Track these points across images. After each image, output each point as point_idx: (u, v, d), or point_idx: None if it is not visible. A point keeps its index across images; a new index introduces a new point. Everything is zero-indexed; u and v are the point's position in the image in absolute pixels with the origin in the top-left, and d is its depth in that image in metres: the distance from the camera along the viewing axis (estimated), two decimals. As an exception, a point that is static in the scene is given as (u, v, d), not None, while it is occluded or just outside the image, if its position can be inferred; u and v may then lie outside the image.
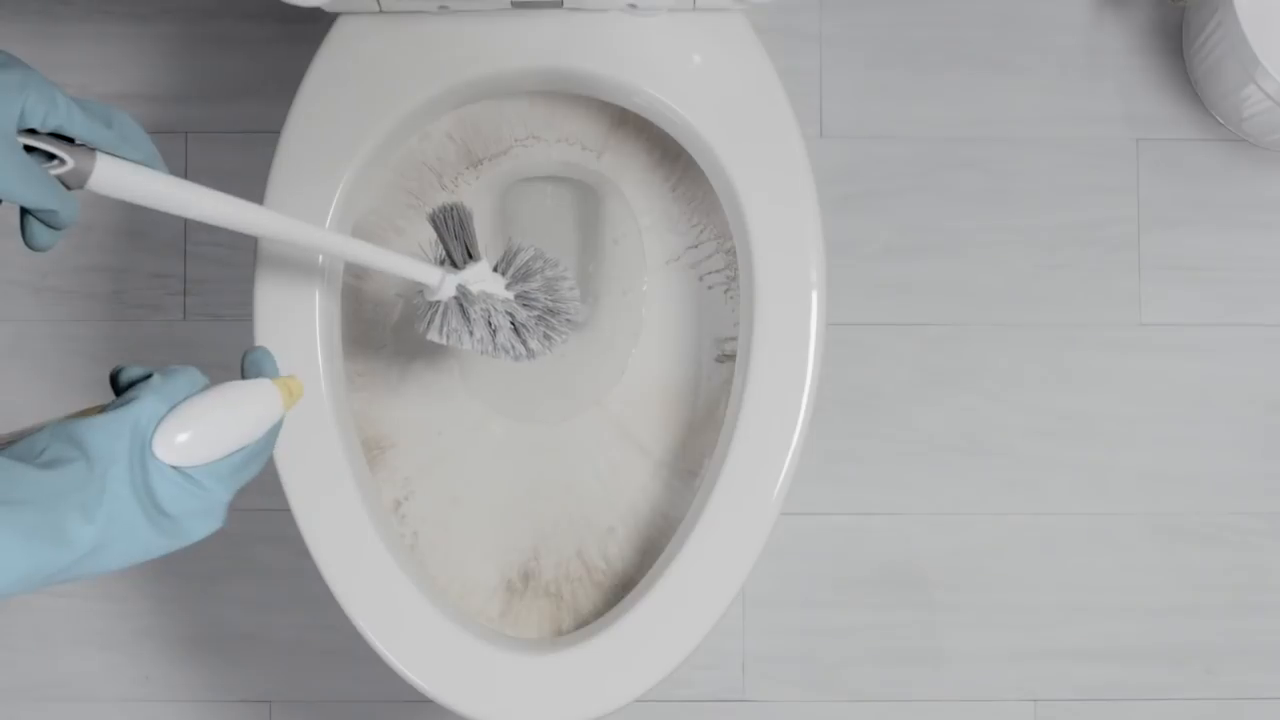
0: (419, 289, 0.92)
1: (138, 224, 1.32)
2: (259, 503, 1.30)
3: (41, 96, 0.68)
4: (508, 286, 0.93)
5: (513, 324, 0.93)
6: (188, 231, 1.32)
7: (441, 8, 1.00)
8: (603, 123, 1.10)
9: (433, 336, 0.91)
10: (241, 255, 1.31)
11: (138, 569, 1.30)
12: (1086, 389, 1.32)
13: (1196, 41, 1.29)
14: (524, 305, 0.93)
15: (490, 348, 0.92)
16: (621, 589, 1.07)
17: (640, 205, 1.12)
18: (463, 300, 0.90)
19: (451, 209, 0.91)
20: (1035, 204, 1.33)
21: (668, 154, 1.10)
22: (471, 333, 0.91)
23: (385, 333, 1.10)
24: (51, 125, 0.69)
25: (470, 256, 0.92)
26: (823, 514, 1.32)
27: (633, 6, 1.00)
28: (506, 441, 1.11)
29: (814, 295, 0.99)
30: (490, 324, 0.92)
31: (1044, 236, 1.33)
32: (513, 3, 0.99)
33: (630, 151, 1.11)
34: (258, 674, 1.31)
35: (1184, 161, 1.33)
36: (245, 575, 1.31)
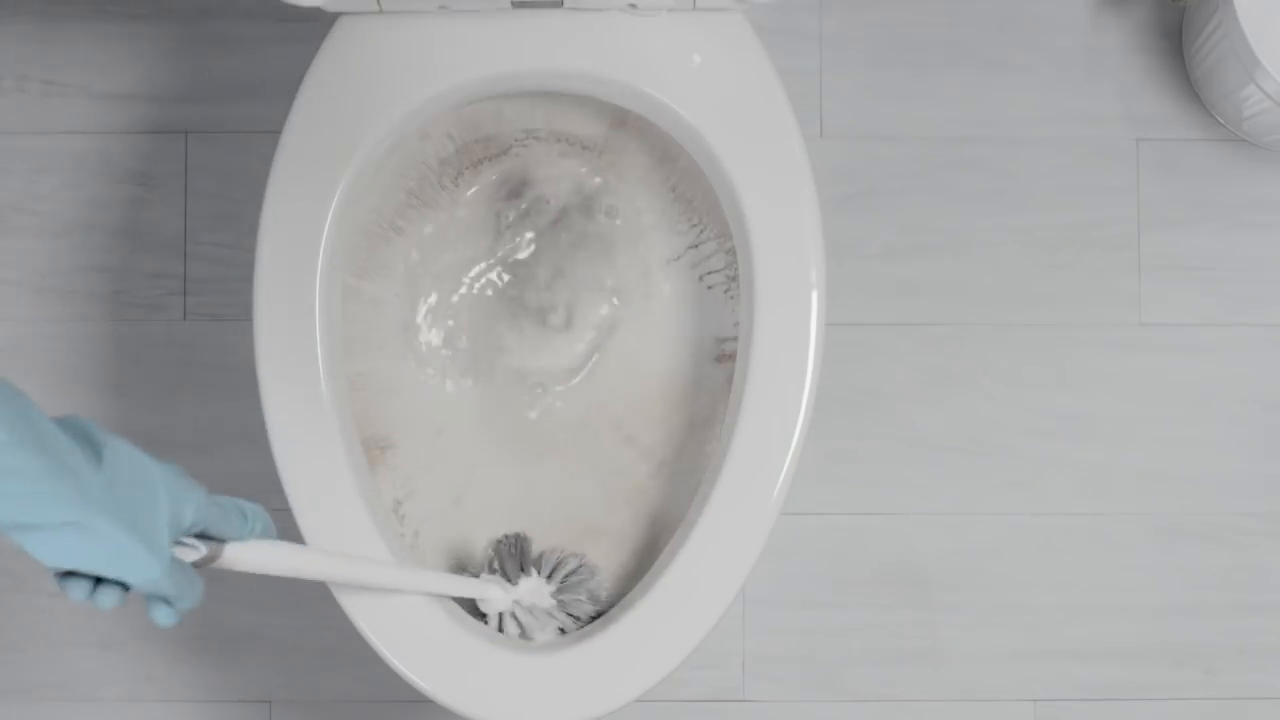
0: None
1: (138, 224, 1.32)
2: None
3: (195, 507, 0.75)
4: (555, 595, 1.03)
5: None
6: (188, 231, 1.32)
7: (441, 8, 1.00)
8: (603, 123, 1.10)
9: (514, 630, 1.02)
10: (242, 256, 1.31)
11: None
12: (1086, 389, 1.32)
13: (1196, 41, 1.29)
14: (565, 612, 1.03)
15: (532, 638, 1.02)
16: (622, 589, 1.07)
17: (640, 205, 1.12)
18: (516, 614, 1.01)
19: (515, 540, 1.04)
20: (1035, 204, 1.33)
21: (668, 154, 1.10)
22: (521, 635, 1.02)
23: (385, 333, 1.10)
24: (198, 529, 0.77)
25: (523, 571, 1.03)
26: (823, 514, 1.32)
27: (633, 6, 1.00)
28: (506, 441, 1.11)
29: (814, 295, 0.99)
30: (533, 624, 1.02)
31: (1044, 236, 1.33)
32: (513, 3, 0.99)
33: (630, 151, 1.11)
34: (258, 674, 1.31)
35: (1184, 161, 1.33)
36: (245, 575, 1.31)
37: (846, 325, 1.32)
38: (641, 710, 1.29)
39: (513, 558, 1.03)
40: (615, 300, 1.12)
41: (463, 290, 1.12)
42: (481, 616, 1.02)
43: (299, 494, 0.97)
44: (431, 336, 1.12)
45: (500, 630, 1.01)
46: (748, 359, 0.99)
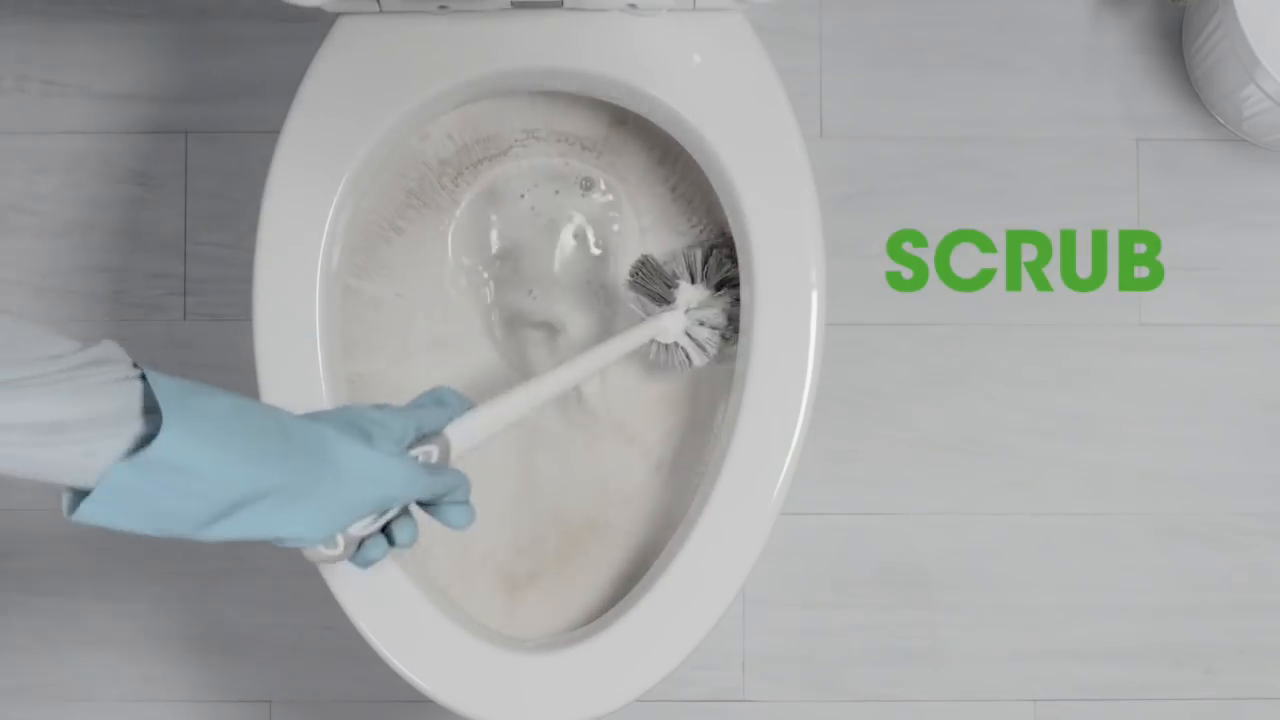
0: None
1: (138, 224, 1.32)
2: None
3: (399, 418, 0.80)
4: (715, 291, 1.05)
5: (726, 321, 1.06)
6: (188, 231, 1.32)
7: (441, 8, 1.00)
8: (603, 123, 1.10)
9: (698, 362, 1.05)
10: (242, 255, 1.31)
11: (137, 568, 1.31)
12: (1086, 389, 1.32)
13: (1196, 41, 1.29)
14: (729, 297, 1.05)
15: (717, 351, 1.05)
16: (621, 588, 1.07)
17: (640, 205, 1.12)
18: (691, 330, 1.04)
19: (643, 264, 1.05)
20: (1035, 204, 1.33)
21: (668, 154, 1.10)
22: (705, 349, 1.04)
23: (385, 333, 1.10)
24: (416, 435, 0.82)
25: (670, 287, 1.04)
26: (823, 514, 1.32)
27: (633, 6, 1.00)
28: (506, 441, 1.11)
29: (814, 295, 0.99)
30: (718, 331, 1.05)
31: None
32: (513, 3, 0.99)
33: (630, 151, 1.11)
34: (258, 674, 1.31)
35: (1184, 161, 1.33)
36: (245, 575, 1.31)
37: (846, 325, 1.32)
38: (641, 710, 1.29)
39: (655, 277, 1.05)
40: (614, 300, 1.12)
41: (461, 287, 1.12)
42: (676, 358, 1.04)
43: (299, 494, 0.97)
44: (432, 334, 1.12)
45: (689, 360, 1.04)
46: (748, 359, 0.99)
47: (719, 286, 1.06)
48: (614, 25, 1.00)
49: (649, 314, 1.05)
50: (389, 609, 0.96)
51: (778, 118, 1.01)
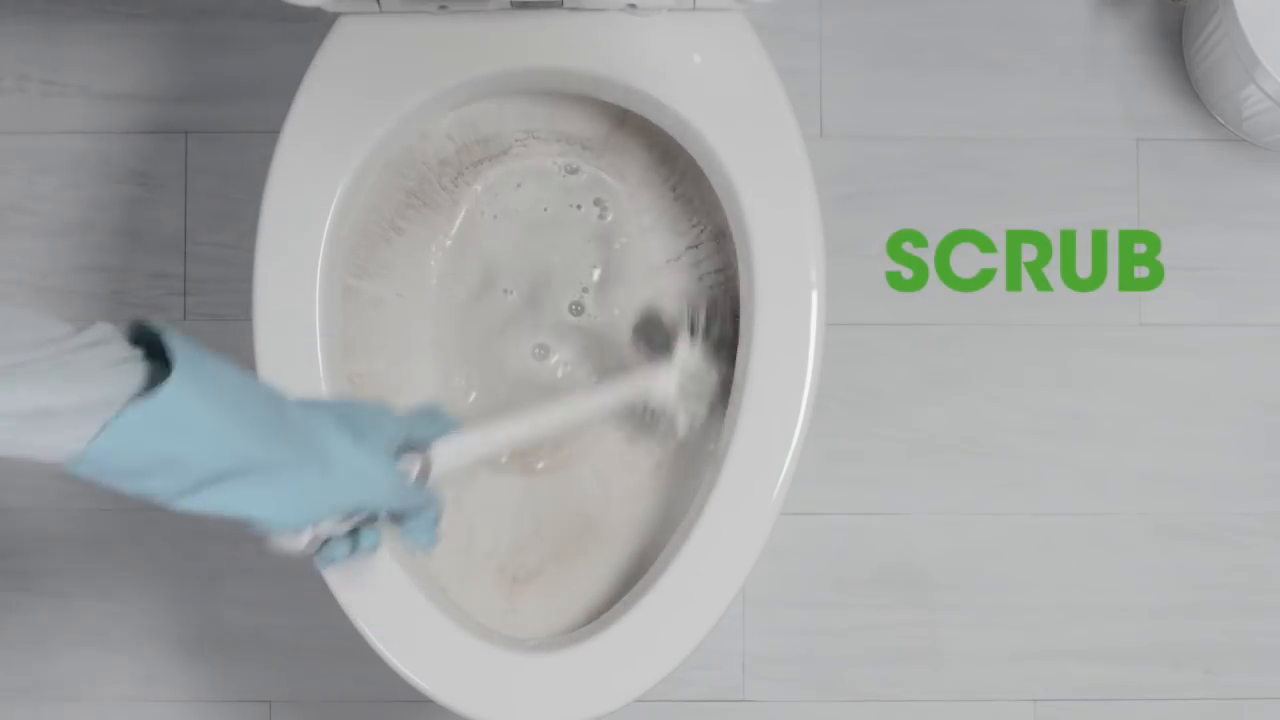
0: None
1: (138, 224, 1.32)
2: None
3: (400, 429, 0.80)
4: (709, 353, 1.02)
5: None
6: (188, 231, 1.32)
7: (441, 8, 1.00)
8: (603, 123, 1.10)
9: (682, 434, 1.02)
10: (242, 255, 1.31)
11: (137, 568, 1.31)
12: (1086, 389, 1.32)
13: (1196, 41, 1.29)
14: (726, 362, 1.02)
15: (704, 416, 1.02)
16: (621, 588, 1.07)
17: (640, 205, 1.12)
18: (685, 385, 1.01)
19: (648, 318, 1.05)
20: (1035, 204, 1.33)
21: (668, 154, 1.10)
22: (695, 410, 1.01)
23: (385, 333, 1.10)
24: (406, 444, 0.81)
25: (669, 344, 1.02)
26: (823, 514, 1.32)
27: (632, 6, 1.00)
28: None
29: (814, 295, 0.99)
30: (701, 394, 1.02)
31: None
32: (513, 3, 0.99)
33: (630, 151, 1.11)
34: (258, 674, 1.31)
35: (1184, 161, 1.33)
36: (245, 575, 1.31)
37: (846, 325, 1.32)
38: (641, 710, 1.29)
39: (659, 331, 1.04)
40: (614, 301, 1.12)
41: (462, 287, 1.12)
42: (670, 419, 1.02)
43: (299, 494, 0.97)
44: (432, 336, 1.12)
45: (675, 430, 1.01)
46: (748, 359, 0.99)
47: (718, 345, 1.03)
48: (614, 25, 1.00)
49: (649, 362, 1.03)
50: (389, 609, 0.96)
51: (778, 118, 1.01)
